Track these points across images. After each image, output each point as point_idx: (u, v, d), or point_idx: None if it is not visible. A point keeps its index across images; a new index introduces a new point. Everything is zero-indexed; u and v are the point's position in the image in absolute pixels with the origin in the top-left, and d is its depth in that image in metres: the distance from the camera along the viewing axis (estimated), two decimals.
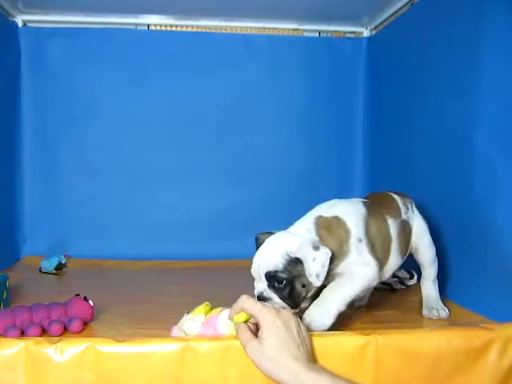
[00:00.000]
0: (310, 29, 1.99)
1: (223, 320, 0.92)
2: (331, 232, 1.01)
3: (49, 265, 1.59)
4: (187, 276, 1.61)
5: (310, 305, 0.99)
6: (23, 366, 0.83)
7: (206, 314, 0.95)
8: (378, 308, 1.20)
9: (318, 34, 2.02)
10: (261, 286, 0.97)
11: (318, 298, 0.98)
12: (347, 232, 1.01)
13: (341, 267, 1.01)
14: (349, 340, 0.90)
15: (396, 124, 1.67)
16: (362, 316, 1.14)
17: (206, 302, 0.98)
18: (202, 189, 1.91)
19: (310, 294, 1.00)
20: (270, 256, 0.96)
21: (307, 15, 1.89)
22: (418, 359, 0.91)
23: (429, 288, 1.19)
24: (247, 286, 1.37)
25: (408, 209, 1.18)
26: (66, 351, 0.84)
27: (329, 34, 2.03)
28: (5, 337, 0.91)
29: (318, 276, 0.94)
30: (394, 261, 1.09)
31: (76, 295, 1.08)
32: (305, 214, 1.12)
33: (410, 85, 1.55)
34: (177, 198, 1.90)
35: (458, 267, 1.24)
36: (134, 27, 1.92)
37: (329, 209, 1.05)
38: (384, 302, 1.25)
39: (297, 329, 0.82)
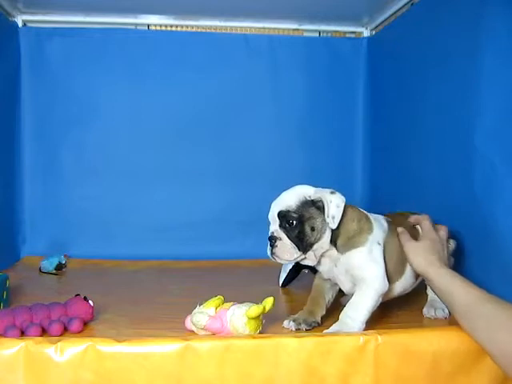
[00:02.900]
0: (310, 29, 1.99)
1: (231, 315, 0.94)
2: (358, 218, 1.05)
3: (49, 265, 1.59)
4: (187, 276, 1.61)
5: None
6: (23, 366, 0.83)
7: (216, 308, 0.97)
8: (379, 307, 1.20)
9: (318, 34, 2.02)
10: (273, 226, 1.04)
11: (337, 324, 0.99)
12: (370, 229, 1.05)
13: (350, 258, 1.03)
14: (349, 340, 0.90)
15: (396, 124, 1.67)
16: None
17: (219, 296, 1.00)
18: (202, 189, 1.91)
19: (319, 243, 1.03)
20: (285, 197, 1.04)
21: (307, 15, 1.89)
22: (417, 359, 0.91)
23: None
24: (247, 285, 1.37)
25: None
26: (66, 351, 0.84)
27: (329, 34, 2.03)
28: (5, 337, 0.91)
29: (333, 218, 1.00)
30: (406, 280, 1.10)
31: (76, 295, 1.08)
32: None
33: (410, 85, 1.55)
34: (177, 198, 1.90)
35: (458, 268, 1.24)
36: (133, 27, 1.92)
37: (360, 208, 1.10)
38: (386, 302, 1.25)
39: (443, 247, 1.10)
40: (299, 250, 1.02)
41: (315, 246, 1.03)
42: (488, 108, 1.13)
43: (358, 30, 2.00)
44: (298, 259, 1.04)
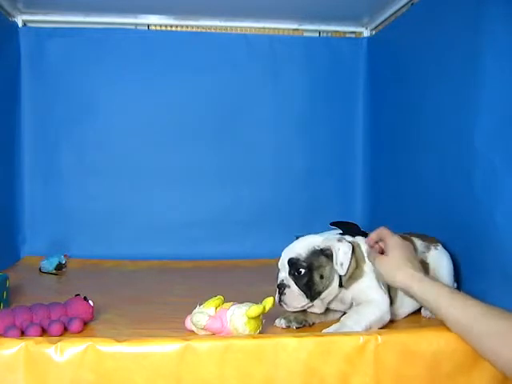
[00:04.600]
0: (310, 29, 1.99)
1: (231, 315, 0.95)
2: (356, 252, 1.06)
3: (49, 265, 1.59)
4: (187, 276, 1.61)
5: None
6: (23, 366, 0.83)
7: (216, 307, 0.97)
8: None
9: (318, 34, 2.02)
10: (283, 274, 1.05)
11: (337, 324, 0.99)
12: (363, 259, 1.06)
13: (354, 289, 1.05)
14: (349, 340, 0.90)
15: (396, 124, 1.67)
16: None
17: (219, 296, 1.01)
18: (202, 189, 1.91)
19: (327, 290, 1.04)
20: (296, 246, 1.06)
21: (307, 15, 1.89)
22: (417, 359, 0.91)
23: None
24: (247, 285, 1.38)
25: (428, 249, 1.18)
26: (66, 351, 0.84)
27: (329, 34, 2.03)
28: (5, 337, 0.90)
29: (342, 265, 1.02)
30: (405, 300, 1.09)
31: (76, 295, 1.08)
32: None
33: (410, 85, 1.55)
34: (177, 198, 1.90)
35: (458, 269, 1.24)
36: (133, 27, 1.92)
37: (348, 237, 1.09)
38: None
39: (414, 254, 1.03)
40: (307, 297, 1.03)
41: (323, 294, 1.04)
42: (488, 108, 1.12)
43: (358, 30, 2.00)
44: (306, 307, 1.05)
